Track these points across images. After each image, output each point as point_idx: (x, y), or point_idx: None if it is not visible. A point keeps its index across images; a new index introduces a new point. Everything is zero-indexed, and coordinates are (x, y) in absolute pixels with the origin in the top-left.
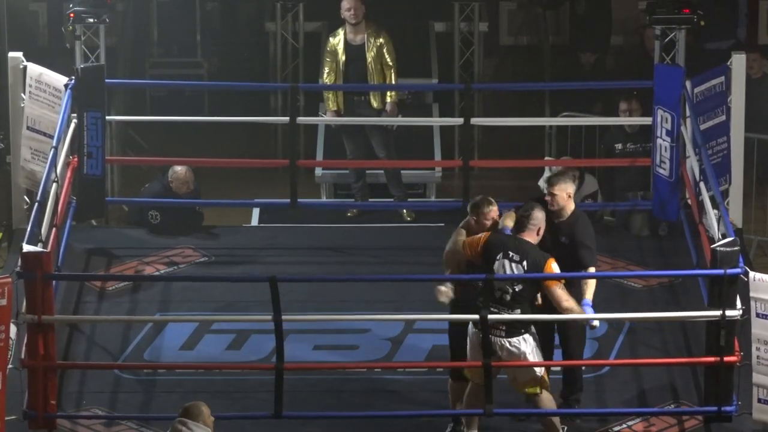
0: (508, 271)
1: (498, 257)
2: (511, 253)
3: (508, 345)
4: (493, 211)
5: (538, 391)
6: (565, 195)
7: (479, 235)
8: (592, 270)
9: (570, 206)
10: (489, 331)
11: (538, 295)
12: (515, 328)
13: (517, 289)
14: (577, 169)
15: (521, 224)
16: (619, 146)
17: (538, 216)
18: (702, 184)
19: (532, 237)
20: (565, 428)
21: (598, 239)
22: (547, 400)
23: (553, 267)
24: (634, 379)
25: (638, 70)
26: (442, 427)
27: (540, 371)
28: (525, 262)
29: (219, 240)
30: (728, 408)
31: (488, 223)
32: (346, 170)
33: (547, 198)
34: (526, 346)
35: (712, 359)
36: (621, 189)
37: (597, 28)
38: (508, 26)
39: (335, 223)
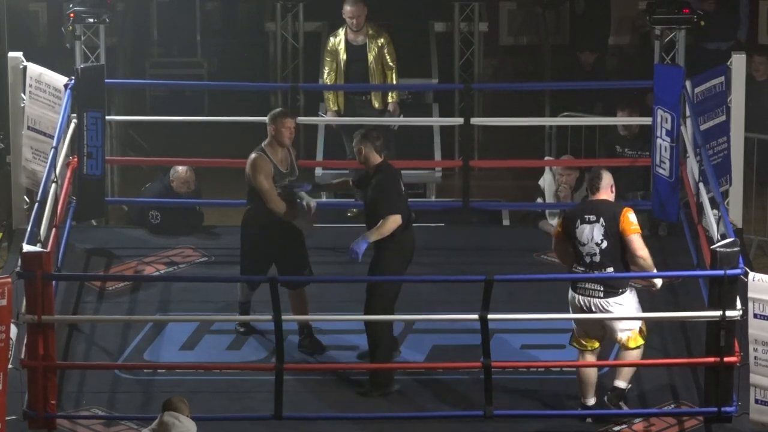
0: (589, 234)
1: (577, 226)
2: (586, 216)
3: (606, 306)
4: (290, 122)
5: (640, 342)
6: (363, 150)
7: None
8: (393, 217)
9: (373, 161)
10: (587, 293)
11: None
12: (612, 288)
13: (603, 247)
14: (577, 169)
15: (594, 186)
16: (618, 149)
17: (607, 175)
18: (702, 185)
19: (606, 195)
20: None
21: None
22: (638, 354)
23: (630, 216)
24: (634, 380)
25: (639, 70)
26: (441, 426)
27: (639, 324)
28: (601, 219)
29: (219, 240)
30: (728, 408)
31: (287, 132)
32: (346, 170)
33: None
34: (626, 304)
35: (712, 360)
36: (621, 189)
37: (597, 28)
38: (508, 26)
39: (335, 223)
